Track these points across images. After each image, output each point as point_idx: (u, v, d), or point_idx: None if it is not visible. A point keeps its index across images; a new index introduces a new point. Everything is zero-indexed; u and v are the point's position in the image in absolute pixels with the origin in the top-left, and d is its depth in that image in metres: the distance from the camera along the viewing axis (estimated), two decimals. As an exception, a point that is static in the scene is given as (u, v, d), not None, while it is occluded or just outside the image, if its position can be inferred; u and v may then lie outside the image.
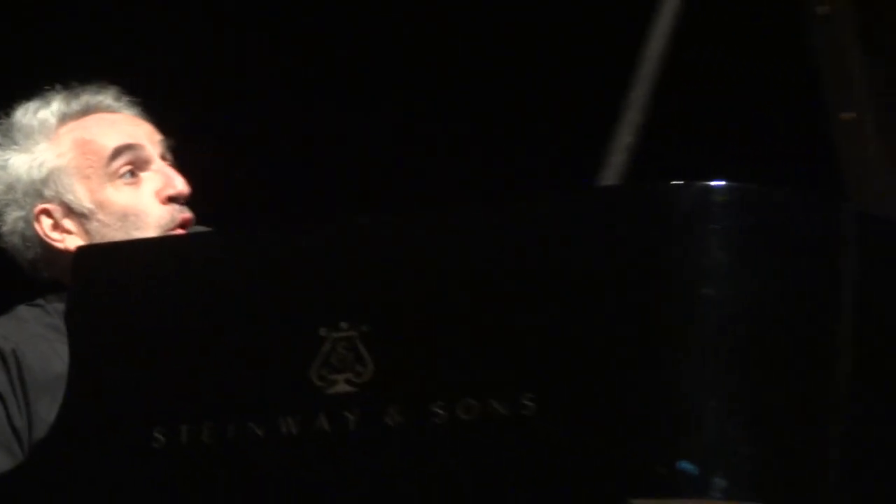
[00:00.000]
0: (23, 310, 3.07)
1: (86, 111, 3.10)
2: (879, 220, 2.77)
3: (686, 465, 2.28)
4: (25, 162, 3.10)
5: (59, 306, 3.00)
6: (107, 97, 3.14)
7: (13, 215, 3.09)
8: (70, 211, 3.06)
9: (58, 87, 3.21)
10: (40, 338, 2.98)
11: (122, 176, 3.07)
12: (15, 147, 3.13)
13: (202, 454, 2.36)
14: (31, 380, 2.96)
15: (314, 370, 2.34)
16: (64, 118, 3.10)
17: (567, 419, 2.31)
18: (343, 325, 2.35)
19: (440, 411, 2.29)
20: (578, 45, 5.54)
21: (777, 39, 3.58)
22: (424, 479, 2.37)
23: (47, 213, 3.06)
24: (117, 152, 3.04)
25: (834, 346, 2.41)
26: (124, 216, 3.03)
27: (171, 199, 3.05)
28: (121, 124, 3.12)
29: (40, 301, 3.09)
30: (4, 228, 3.13)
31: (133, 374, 2.46)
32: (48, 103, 3.11)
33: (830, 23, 3.23)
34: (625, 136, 3.01)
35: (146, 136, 3.09)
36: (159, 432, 2.35)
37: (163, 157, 3.08)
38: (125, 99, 3.20)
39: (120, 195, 3.04)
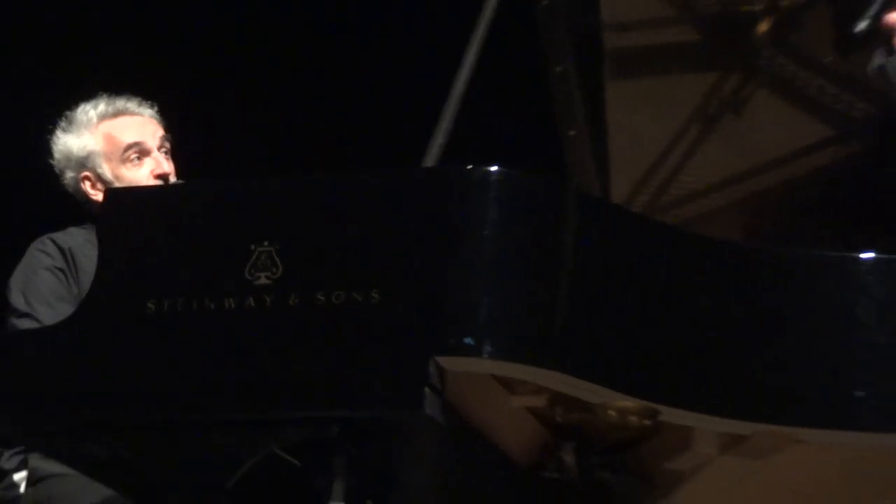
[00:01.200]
0: (73, 229, 4.15)
1: (116, 114, 4.21)
2: (586, 196, 3.58)
3: (468, 340, 3.01)
4: (75, 144, 4.21)
5: (93, 228, 4.00)
6: (132, 104, 4.22)
7: (69, 175, 4.19)
8: (99, 178, 4.15)
9: (102, 94, 4.18)
10: (84, 244, 3.99)
11: (131, 160, 4.19)
12: (71, 132, 4.20)
13: (176, 319, 3.10)
14: (78, 266, 3.99)
15: (247, 270, 3.09)
16: (102, 117, 4.19)
17: (399, 307, 3.03)
18: (265, 243, 3.10)
19: (321, 297, 3.04)
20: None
21: (529, 80, 4.10)
22: (312, 340, 3.06)
23: (87, 178, 4.19)
24: (128, 147, 4.19)
25: (557, 268, 3.11)
26: (129, 184, 4.09)
27: (159, 176, 4.14)
28: (136, 126, 4.22)
29: (85, 225, 4.15)
30: (66, 181, 4.19)
31: (136, 267, 3.19)
32: (95, 106, 4.18)
33: (564, 78, 3.95)
34: (438, 138, 3.61)
35: (151, 134, 4.19)
36: (151, 303, 3.11)
37: (160, 148, 4.17)
38: (144, 104, 4.21)
39: (129, 172, 4.17)
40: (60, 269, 3.97)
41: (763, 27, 4.04)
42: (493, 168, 3.10)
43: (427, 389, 2.98)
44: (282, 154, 5.99)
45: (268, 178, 3.27)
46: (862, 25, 3.51)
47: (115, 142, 4.18)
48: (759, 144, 4.07)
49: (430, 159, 3.52)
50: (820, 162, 4.05)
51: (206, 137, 5.02)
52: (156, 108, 4.27)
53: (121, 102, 4.24)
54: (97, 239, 3.42)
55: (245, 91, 6.14)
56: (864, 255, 3.39)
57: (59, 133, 4.22)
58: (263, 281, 3.09)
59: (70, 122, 4.23)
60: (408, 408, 3.00)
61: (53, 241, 4.04)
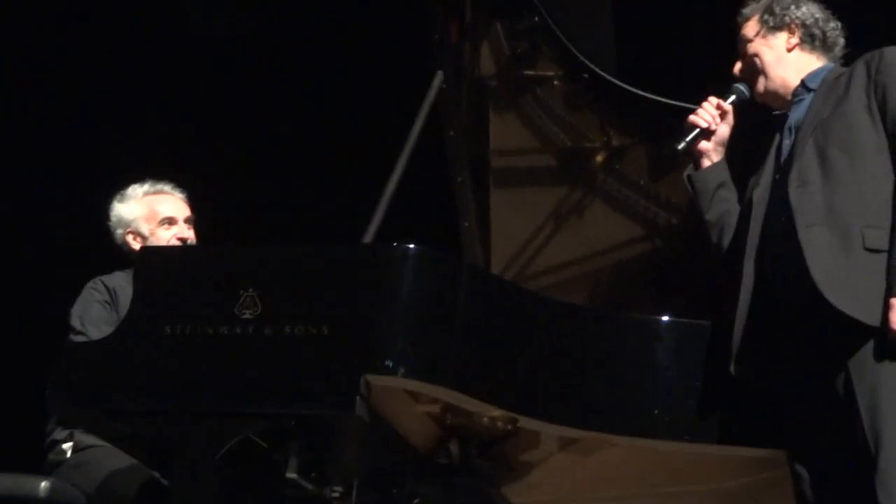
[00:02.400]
0: (117, 273, 3.99)
1: (157, 192, 4.05)
2: (475, 268, 3.51)
3: (388, 363, 3.04)
4: (125, 210, 4.02)
5: (130, 272, 3.80)
6: (168, 186, 4.07)
7: (118, 232, 4.01)
8: (139, 235, 3.98)
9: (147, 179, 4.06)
10: (124, 284, 3.86)
11: (162, 225, 3.98)
12: (123, 203, 4.04)
13: (185, 339, 3.09)
14: (118, 301, 3.85)
15: (236, 308, 3.08)
16: (146, 193, 4.03)
17: (341, 339, 3.03)
18: (250, 289, 3.09)
19: (288, 329, 3.05)
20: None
21: (438, 185, 4.00)
22: (279, 359, 3.05)
23: (132, 234, 3.99)
24: (163, 220, 3.99)
25: (452, 317, 3.10)
26: (159, 243, 3.92)
27: (180, 239, 3.97)
28: (170, 202, 4.06)
29: (126, 270, 3.92)
30: (116, 237, 4.02)
31: (159, 301, 3.17)
32: (142, 185, 4.05)
33: (462, 185, 3.95)
34: (379, 213, 3.54)
35: (180, 211, 4.03)
36: (167, 327, 3.09)
37: (185, 220, 4.00)
38: (178, 188, 4.07)
39: (161, 233, 3.97)
40: (107, 302, 3.87)
41: (599, 158, 4.05)
42: (411, 245, 3.12)
43: (358, 397, 2.99)
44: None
45: (255, 246, 3.29)
46: (681, 145, 3.47)
47: (153, 213, 4.06)
48: (594, 237, 4.06)
49: (368, 237, 3.49)
50: (635, 251, 4.04)
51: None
52: (186, 193, 4.15)
53: (161, 185, 4.12)
54: (133, 280, 3.36)
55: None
56: (663, 318, 3.41)
57: (115, 203, 4.09)
58: (247, 316, 3.09)
59: (123, 196, 4.10)
60: (344, 409, 3.00)
61: (102, 282, 3.94)
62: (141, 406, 3.10)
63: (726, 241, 3.45)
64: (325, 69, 5.71)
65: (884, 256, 3.08)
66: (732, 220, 3.45)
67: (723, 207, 3.48)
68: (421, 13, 3.77)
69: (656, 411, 3.30)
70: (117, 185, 4.09)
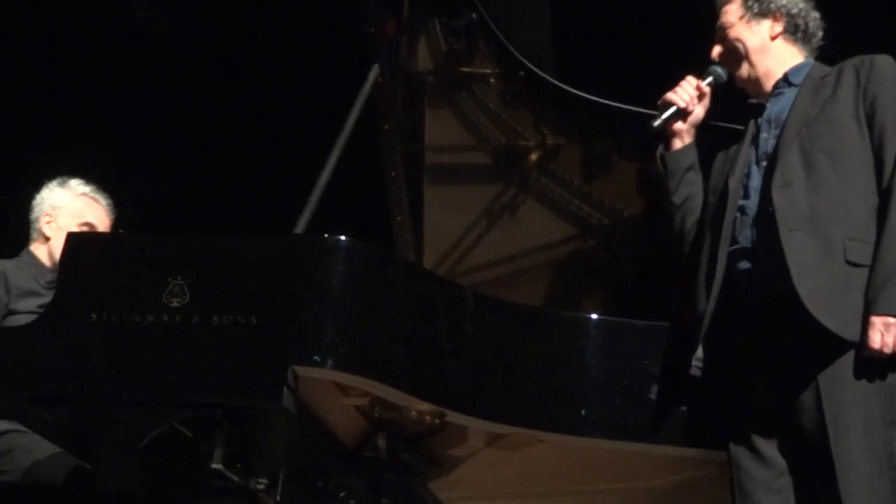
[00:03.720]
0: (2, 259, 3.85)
1: (93, 198, 4.00)
2: (406, 262, 3.60)
3: (316, 357, 3.01)
4: (59, 196, 3.96)
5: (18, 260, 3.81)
6: (104, 199, 4.01)
7: (40, 209, 3.92)
8: (56, 224, 3.91)
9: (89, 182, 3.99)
10: (14, 269, 3.77)
11: (81, 227, 3.87)
12: (60, 188, 3.97)
13: (110, 326, 3.07)
14: (9, 286, 3.71)
15: (164, 296, 3.06)
16: (83, 194, 3.99)
17: (270, 329, 3.01)
18: (178, 277, 3.07)
19: (216, 319, 3.02)
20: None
21: (372, 180, 3.98)
22: (207, 348, 3.02)
23: (50, 218, 3.92)
24: (84, 223, 3.90)
25: (381, 310, 3.11)
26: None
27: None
28: (98, 212, 4.00)
29: (15, 258, 3.87)
30: (34, 212, 3.93)
31: (84, 288, 3.13)
32: (84, 185, 4.01)
33: (396, 180, 3.93)
34: (310, 206, 3.50)
35: (101, 222, 3.96)
36: (94, 314, 3.07)
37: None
38: (110, 203, 4.00)
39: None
40: None
41: (533, 157, 4.06)
42: (342, 237, 3.12)
43: (285, 388, 2.98)
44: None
45: (184, 234, 3.24)
46: (657, 122, 3.42)
47: (81, 212, 3.98)
48: (526, 236, 4.08)
49: (300, 227, 3.46)
50: (566, 250, 4.06)
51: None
52: (114, 212, 4.08)
53: (100, 195, 4.04)
54: (58, 266, 3.27)
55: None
56: (591, 316, 3.43)
57: (53, 185, 4.00)
58: (175, 304, 3.08)
59: (64, 183, 4.02)
60: (271, 400, 2.99)
61: None
62: (65, 394, 3.07)
63: (689, 225, 3.44)
64: (260, 61, 5.71)
65: (863, 271, 3.08)
66: (697, 203, 3.44)
67: (689, 190, 3.46)
68: (357, 6, 3.77)
69: (583, 409, 3.32)
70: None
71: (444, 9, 3.97)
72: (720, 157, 3.46)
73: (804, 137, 3.21)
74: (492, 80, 4.02)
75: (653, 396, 3.35)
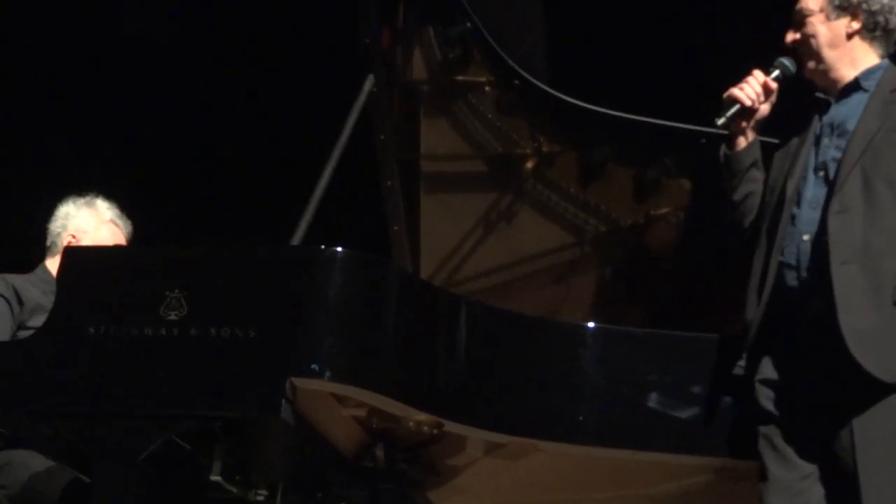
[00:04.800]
0: (13, 275, 3.90)
1: (117, 224, 4.05)
2: (403, 272, 3.57)
3: (314, 367, 3.02)
4: (85, 217, 3.99)
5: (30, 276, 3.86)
6: (125, 226, 4.06)
7: (63, 226, 3.98)
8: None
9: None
10: (26, 285, 3.82)
11: None
12: (87, 208, 4.01)
13: (108, 340, 3.05)
14: (21, 300, 3.77)
15: (162, 309, 3.05)
16: (111, 220, 4.02)
17: (268, 341, 3.01)
18: (176, 290, 3.06)
19: (213, 331, 3.02)
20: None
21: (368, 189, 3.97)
22: (205, 361, 3.02)
23: (74, 238, 3.97)
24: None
25: (379, 321, 3.10)
26: None
27: None
28: (119, 239, 4.01)
29: (28, 274, 3.93)
30: (54, 228, 4.00)
31: (83, 302, 3.12)
32: (111, 209, 4.06)
33: (391, 190, 3.91)
34: (307, 216, 3.51)
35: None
36: (91, 328, 3.06)
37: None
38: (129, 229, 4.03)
39: None
40: (6, 298, 3.81)
41: (529, 164, 4.06)
42: (339, 248, 3.12)
43: (284, 400, 2.98)
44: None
45: (182, 246, 3.27)
46: (721, 120, 3.29)
47: (105, 238, 4.00)
48: (523, 244, 4.09)
49: (296, 239, 3.47)
50: (563, 258, 4.07)
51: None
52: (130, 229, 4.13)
53: (124, 222, 4.08)
54: (56, 280, 3.28)
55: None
56: (588, 324, 3.43)
57: (81, 203, 4.03)
58: (173, 317, 3.06)
59: (91, 204, 4.06)
60: (269, 412, 2.99)
61: (3, 279, 3.84)
62: (63, 408, 3.07)
63: (747, 222, 3.34)
64: (255, 71, 5.70)
65: None
66: (756, 201, 3.34)
67: (750, 188, 3.35)
68: (353, 16, 3.76)
69: (581, 417, 3.32)
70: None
71: (438, 18, 3.97)
72: (779, 153, 3.34)
73: (867, 160, 3.11)
74: (487, 89, 4.02)
75: (651, 404, 3.35)
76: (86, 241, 3.96)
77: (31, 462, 3.54)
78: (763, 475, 3.13)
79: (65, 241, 3.99)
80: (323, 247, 3.13)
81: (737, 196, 3.36)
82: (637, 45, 5.07)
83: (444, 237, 4.10)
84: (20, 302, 3.77)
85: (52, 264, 3.94)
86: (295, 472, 3.53)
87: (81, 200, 4.05)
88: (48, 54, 5.67)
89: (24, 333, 3.64)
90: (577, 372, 3.36)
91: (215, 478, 3.15)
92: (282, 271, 3.13)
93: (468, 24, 3.89)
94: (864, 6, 3.26)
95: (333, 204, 3.59)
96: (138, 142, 5.70)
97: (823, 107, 3.29)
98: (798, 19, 3.32)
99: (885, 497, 2.96)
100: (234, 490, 3.25)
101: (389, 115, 3.93)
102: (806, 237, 3.15)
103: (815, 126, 3.28)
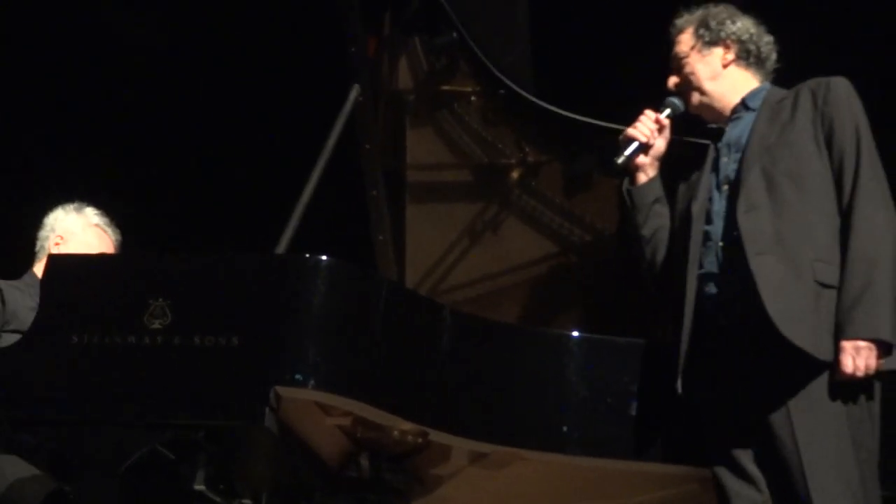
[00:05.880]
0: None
1: (104, 230, 4.07)
2: (393, 283, 3.59)
3: (298, 376, 3.02)
4: (73, 222, 4.03)
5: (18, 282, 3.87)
6: (113, 233, 4.08)
7: (52, 230, 4.00)
8: (66, 248, 3.97)
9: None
10: (11, 290, 3.82)
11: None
12: (76, 213, 4.04)
13: (91, 348, 3.06)
14: (5, 303, 3.76)
15: (146, 317, 3.06)
16: (98, 225, 4.07)
17: (252, 350, 3.03)
18: (160, 299, 3.08)
19: (197, 340, 3.03)
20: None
21: (353, 200, 3.96)
22: (188, 370, 3.03)
23: (62, 241, 4.00)
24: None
25: (364, 330, 3.10)
26: None
27: None
28: (107, 245, 4.04)
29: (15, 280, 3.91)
30: (43, 231, 4.01)
31: (66, 310, 3.13)
32: (99, 215, 4.09)
33: (376, 200, 3.91)
34: (292, 225, 3.51)
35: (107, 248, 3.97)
36: (75, 336, 3.06)
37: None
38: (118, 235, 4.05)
39: None
40: None
41: (515, 174, 4.08)
42: (324, 257, 3.13)
43: (267, 409, 2.98)
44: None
45: (165, 255, 3.25)
46: (621, 159, 3.45)
47: (92, 242, 4.03)
48: (508, 253, 4.08)
49: (282, 247, 3.46)
50: (548, 267, 4.07)
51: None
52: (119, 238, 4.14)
53: (112, 228, 4.10)
54: (40, 287, 3.28)
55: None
56: (573, 333, 3.44)
57: (70, 209, 4.05)
58: (157, 326, 3.08)
59: (79, 209, 4.08)
60: (253, 421, 2.99)
61: None
62: (46, 416, 3.06)
63: (660, 256, 3.48)
64: (241, 80, 5.70)
65: (832, 293, 3.11)
66: (665, 234, 3.48)
67: (657, 222, 3.49)
68: (338, 25, 3.77)
69: (565, 426, 3.33)
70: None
71: (424, 28, 3.99)
72: (682, 185, 3.50)
73: (766, 161, 3.24)
74: (472, 98, 4.04)
75: (635, 413, 3.36)
76: (73, 242, 3.98)
77: (13, 471, 3.52)
78: (726, 496, 3.18)
79: (51, 242, 4.00)
80: (308, 255, 3.14)
81: (646, 231, 3.50)
82: (623, 56, 5.09)
83: (430, 246, 4.10)
84: (3, 302, 3.76)
85: (40, 269, 3.87)
86: (279, 481, 3.52)
87: (70, 206, 4.07)
88: (36, 67, 5.70)
89: (5, 338, 3.63)
90: (561, 381, 3.37)
91: (199, 487, 3.15)
92: (266, 280, 3.14)
93: (454, 34, 3.92)
94: (734, 37, 3.45)
95: (318, 213, 3.59)
96: (125, 149, 5.70)
97: (717, 134, 3.44)
98: (676, 64, 3.51)
99: (829, 476, 3.01)
100: (218, 499, 3.26)
101: (375, 124, 3.95)
102: (721, 244, 3.26)
103: (712, 152, 3.42)
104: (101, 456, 3.02)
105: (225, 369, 3.03)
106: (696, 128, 3.54)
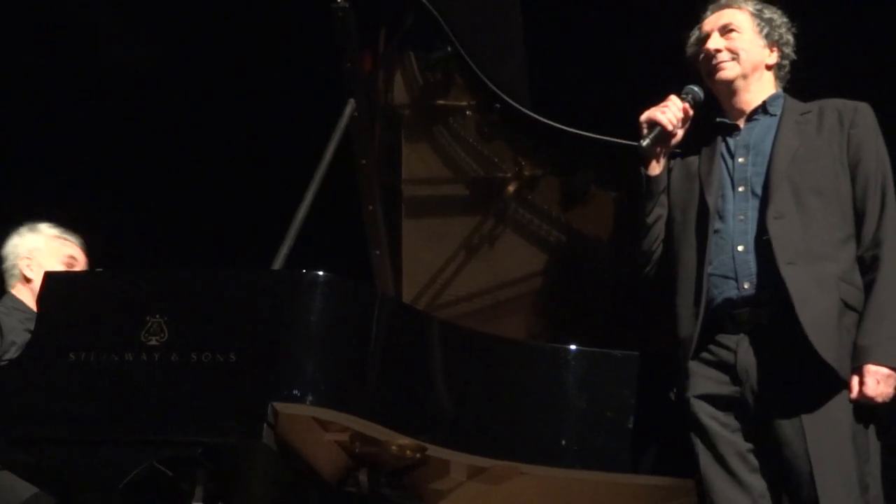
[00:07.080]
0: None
1: (65, 239, 4.15)
2: (390, 298, 3.58)
3: (296, 392, 3.02)
4: (32, 241, 4.11)
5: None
6: (73, 238, 4.14)
7: (17, 255, 4.11)
8: (39, 266, 4.06)
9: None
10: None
11: (65, 264, 4.03)
12: (31, 233, 4.11)
13: (89, 366, 3.06)
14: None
15: (143, 334, 3.07)
16: (56, 237, 4.17)
17: (249, 366, 3.03)
18: (157, 315, 3.09)
19: (195, 356, 3.04)
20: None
21: (350, 214, 3.96)
22: (186, 386, 3.03)
23: (29, 262, 4.08)
24: (68, 257, 4.12)
25: (362, 345, 3.10)
26: None
27: None
28: (73, 249, 4.13)
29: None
30: (8, 260, 4.09)
31: (63, 328, 3.13)
32: (52, 227, 4.16)
33: (373, 214, 3.90)
34: (289, 240, 3.48)
35: (80, 256, 4.09)
36: (72, 354, 3.06)
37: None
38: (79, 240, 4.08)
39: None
40: None
41: (511, 188, 4.08)
42: (321, 272, 3.13)
43: (266, 425, 2.98)
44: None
45: (163, 271, 3.25)
46: (646, 142, 3.38)
47: (60, 250, 4.10)
48: (505, 267, 4.09)
49: (278, 263, 3.44)
50: (544, 281, 4.07)
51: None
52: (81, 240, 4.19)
53: (68, 234, 4.17)
54: (37, 305, 3.27)
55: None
56: (571, 346, 3.44)
57: (24, 231, 4.13)
58: (154, 342, 3.08)
59: (34, 228, 4.15)
60: (251, 437, 2.99)
61: None
62: (44, 434, 3.06)
63: (656, 246, 3.45)
64: (238, 95, 5.70)
65: (855, 315, 3.14)
66: (662, 225, 3.46)
67: (660, 212, 3.47)
68: (334, 41, 3.77)
69: (564, 440, 3.33)
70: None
71: (419, 42, 3.99)
72: (677, 172, 3.47)
73: (793, 172, 3.25)
74: (468, 113, 4.04)
75: (633, 426, 3.36)
76: (41, 257, 4.04)
77: (13, 489, 3.52)
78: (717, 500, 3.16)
79: (22, 266, 4.07)
80: (304, 271, 3.14)
81: (650, 219, 3.47)
82: (619, 69, 5.10)
83: (426, 261, 4.10)
84: (1, 333, 3.80)
85: (19, 292, 4.03)
86: (277, 497, 3.52)
87: (23, 229, 4.14)
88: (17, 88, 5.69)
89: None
90: (559, 394, 3.37)
91: (197, 504, 3.12)
92: (263, 296, 3.14)
93: (449, 49, 3.92)
94: (785, 47, 3.47)
95: (315, 228, 3.59)
96: (117, 165, 5.71)
97: (726, 129, 3.42)
98: (727, 30, 3.46)
99: (839, 492, 3.01)
100: (217, 516, 3.24)
101: (371, 139, 3.95)
102: (741, 248, 3.24)
103: (720, 146, 3.40)
104: (100, 474, 3.01)
105: (222, 386, 3.03)
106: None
